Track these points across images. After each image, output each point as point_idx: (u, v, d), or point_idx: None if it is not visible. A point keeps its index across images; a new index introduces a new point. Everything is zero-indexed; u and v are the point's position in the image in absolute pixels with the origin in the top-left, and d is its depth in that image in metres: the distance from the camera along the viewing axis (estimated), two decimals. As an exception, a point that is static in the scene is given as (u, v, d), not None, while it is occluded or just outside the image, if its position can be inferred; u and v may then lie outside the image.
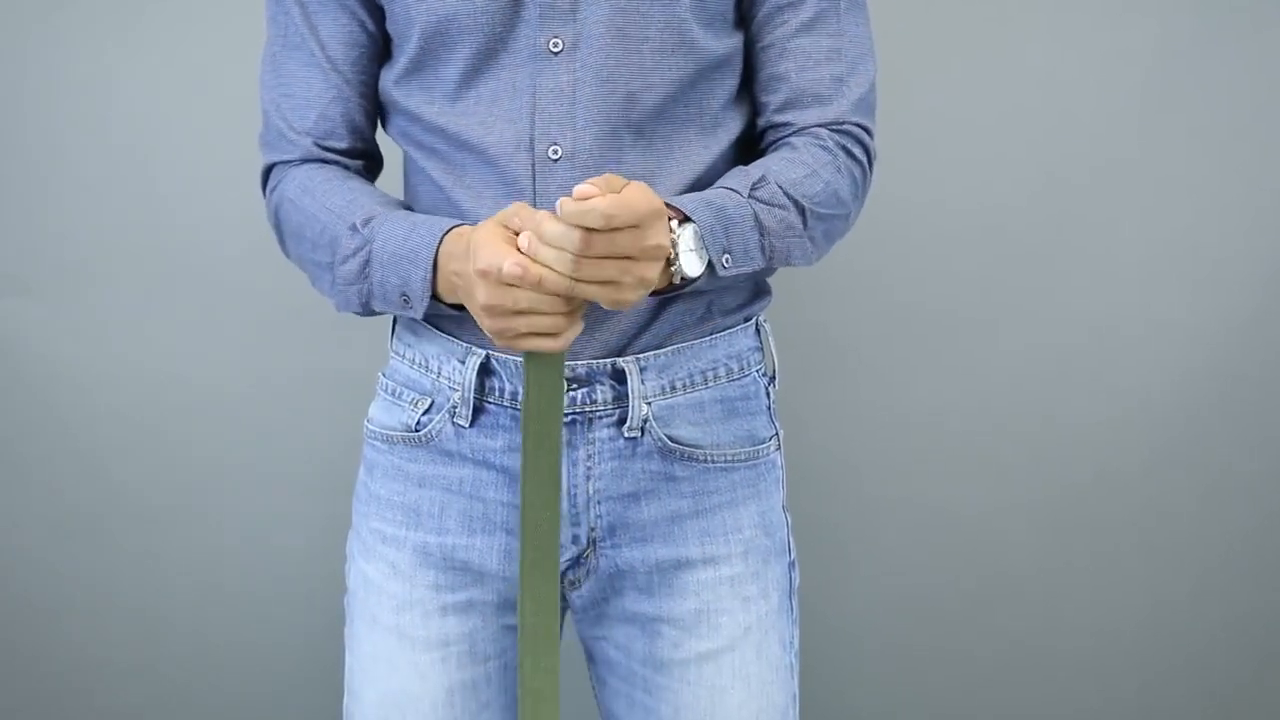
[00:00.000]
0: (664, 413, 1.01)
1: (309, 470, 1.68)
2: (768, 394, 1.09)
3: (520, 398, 1.00)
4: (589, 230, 0.80)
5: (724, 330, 1.05)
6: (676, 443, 1.02)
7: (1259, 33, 1.61)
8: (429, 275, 0.93)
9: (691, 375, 1.03)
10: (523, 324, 0.86)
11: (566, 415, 0.99)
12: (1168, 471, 1.73)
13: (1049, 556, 1.75)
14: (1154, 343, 1.69)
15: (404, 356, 1.07)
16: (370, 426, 1.10)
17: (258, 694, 1.75)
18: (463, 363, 1.02)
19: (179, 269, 1.64)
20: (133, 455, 1.68)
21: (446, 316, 1.01)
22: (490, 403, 1.02)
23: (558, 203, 0.80)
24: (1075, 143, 1.64)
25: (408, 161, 1.06)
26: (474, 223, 0.93)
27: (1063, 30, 1.62)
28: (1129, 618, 1.77)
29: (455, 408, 1.02)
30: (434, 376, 1.04)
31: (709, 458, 1.04)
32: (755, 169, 0.98)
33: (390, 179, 1.12)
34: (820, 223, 1.00)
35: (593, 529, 1.03)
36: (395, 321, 1.11)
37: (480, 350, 1.01)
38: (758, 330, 1.09)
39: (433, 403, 1.04)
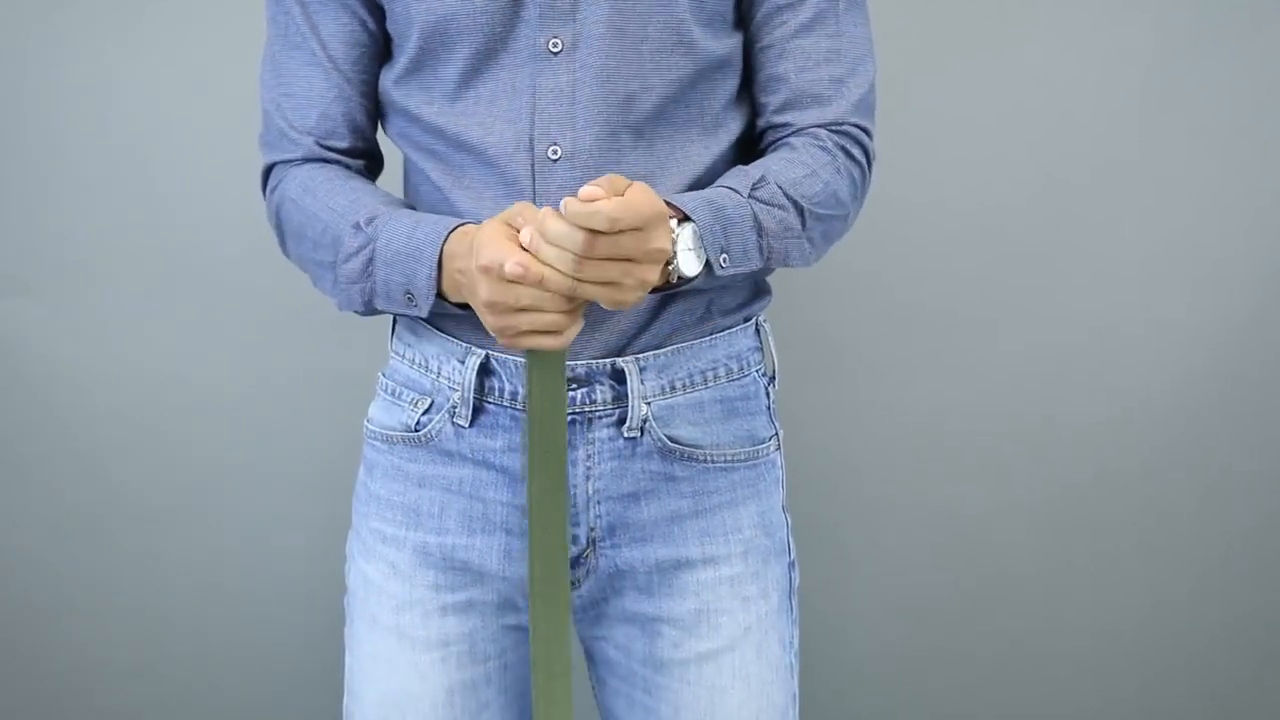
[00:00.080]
0: (664, 413, 1.02)
1: (309, 470, 1.68)
2: (767, 394, 1.09)
3: (520, 397, 1.00)
4: (593, 232, 0.80)
5: (724, 330, 1.05)
6: (676, 443, 1.02)
7: (1258, 32, 1.61)
8: (434, 273, 0.93)
9: (691, 375, 1.03)
10: (525, 321, 0.86)
11: (567, 416, 0.99)
12: (1168, 471, 1.73)
13: (1049, 556, 1.75)
14: (1154, 343, 1.69)
15: (404, 356, 1.07)
16: (370, 426, 1.10)
17: (258, 694, 1.75)
18: (462, 363, 1.02)
19: (179, 269, 1.64)
20: (133, 455, 1.68)
21: (447, 316, 1.01)
22: (490, 403, 1.02)
23: (562, 202, 0.80)
24: (1075, 143, 1.64)
25: (407, 164, 1.06)
26: (475, 224, 0.94)
27: (1062, 30, 1.62)
28: (1129, 618, 1.77)
29: (455, 408, 1.02)
30: (434, 376, 1.04)
31: (709, 458, 1.04)
32: (755, 169, 0.98)
33: (391, 179, 1.12)
34: (819, 223, 1.00)
35: (592, 529, 1.03)
36: (395, 321, 1.11)
37: (480, 350, 1.01)
38: (757, 330, 1.09)
39: (432, 403, 1.04)
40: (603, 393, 1.00)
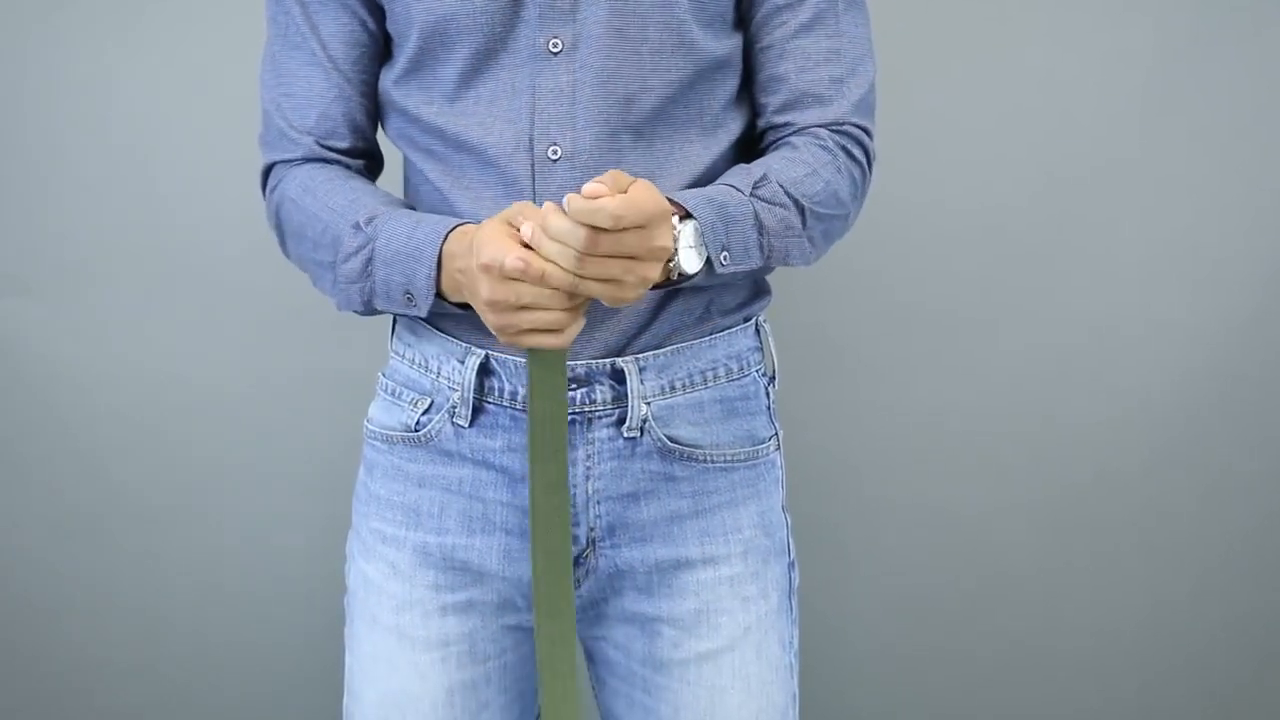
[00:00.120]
0: (663, 413, 1.01)
1: (309, 470, 1.68)
2: (767, 394, 1.09)
3: (520, 397, 1.00)
4: (595, 229, 0.80)
5: (723, 330, 1.05)
6: (676, 443, 1.02)
7: (1259, 33, 1.61)
8: (433, 272, 0.93)
9: (691, 375, 1.03)
10: (525, 320, 0.86)
11: (568, 415, 0.99)
12: (1168, 471, 1.73)
13: (1049, 556, 1.75)
14: (1154, 343, 1.69)
15: (404, 356, 1.07)
16: (370, 426, 1.10)
17: (258, 694, 1.75)
18: (462, 363, 1.02)
19: (179, 269, 1.64)
20: (133, 455, 1.68)
21: (447, 316, 1.01)
22: (490, 403, 1.02)
23: (565, 198, 0.80)
24: (1075, 143, 1.64)
25: (407, 164, 1.06)
26: (474, 224, 0.93)
27: (1062, 31, 1.62)
28: (1129, 618, 1.77)
29: (455, 408, 1.02)
30: (433, 376, 1.04)
31: (708, 458, 1.04)
32: (756, 167, 0.98)
33: (391, 179, 1.12)
34: (819, 222, 1.00)
35: (592, 529, 1.03)
36: (395, 322, 1.11)
37: (480, 350, 1.01)
38: (757, 330, 1.09)
39: (432, 403, 1.04)
40: (602, 393, 1.00)
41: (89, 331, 1.65)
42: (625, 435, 1.01)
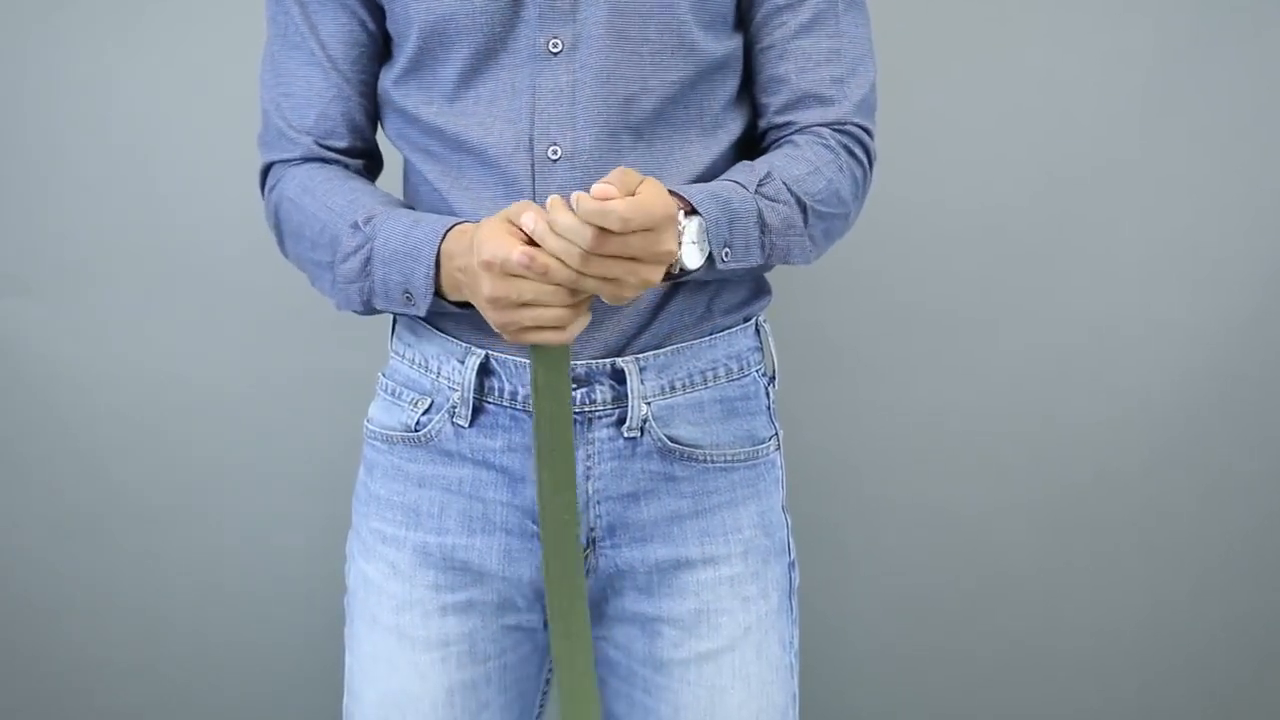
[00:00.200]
0: (663, 413, 1.01)
1: (309, 470, 1.68)
2: (767, 394, 1.09)
3: (520, 397, 1.00)
4: (603, 230, 0.80)
5: (724, 330, 1.05)
6: (676, 443, 1.02)
7: (1259, 34, 1.61)
8: (431, 271, 0.93)
9: (691, 375, 1.03)
10: (527, 316, 0.86)
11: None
12: (1168, 471, 1.73)
13: (1049, 556, 1.75)
14: (1154, 343, 1.69)
15: (404, 356, 1.07)
16: (370, 426, 1.10)
17: (258, 694, 1.75)
18: (462, 363, 1.02)
19: (179, 269, 1.64)
20: (133, 455, 1.68)
21: (447, 316, 1.01)
22: (490, 403, 1.02)
23: (574, 196, 0.80)
24: (1075, 143, 1.64)
25: (406, 165, 1.06)
26: (473, 223, 0.93)
27: (1063, 31, 1.62)
28: (1129, 618, 1.77)
29: (455, 408, 1.02)
30: (434, 376, 1.04)
31: (709, 458, 1.04)
32: (760, 164, 0.98)
33: (391, 180, 1.12)
34: (821, 221, 1.00)
35: (592, 529, 1.03)
36: (395, 321, 1.11)
37: (480, 350, 1.01)
38: (757, 330, 1.09)
39: (432, 403, 1.04)
40: (602, 392, 1.00)
41: (89, 331, 1.65)
42: (625, 435, 1.01)
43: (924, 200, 1.65)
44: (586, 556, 1.04)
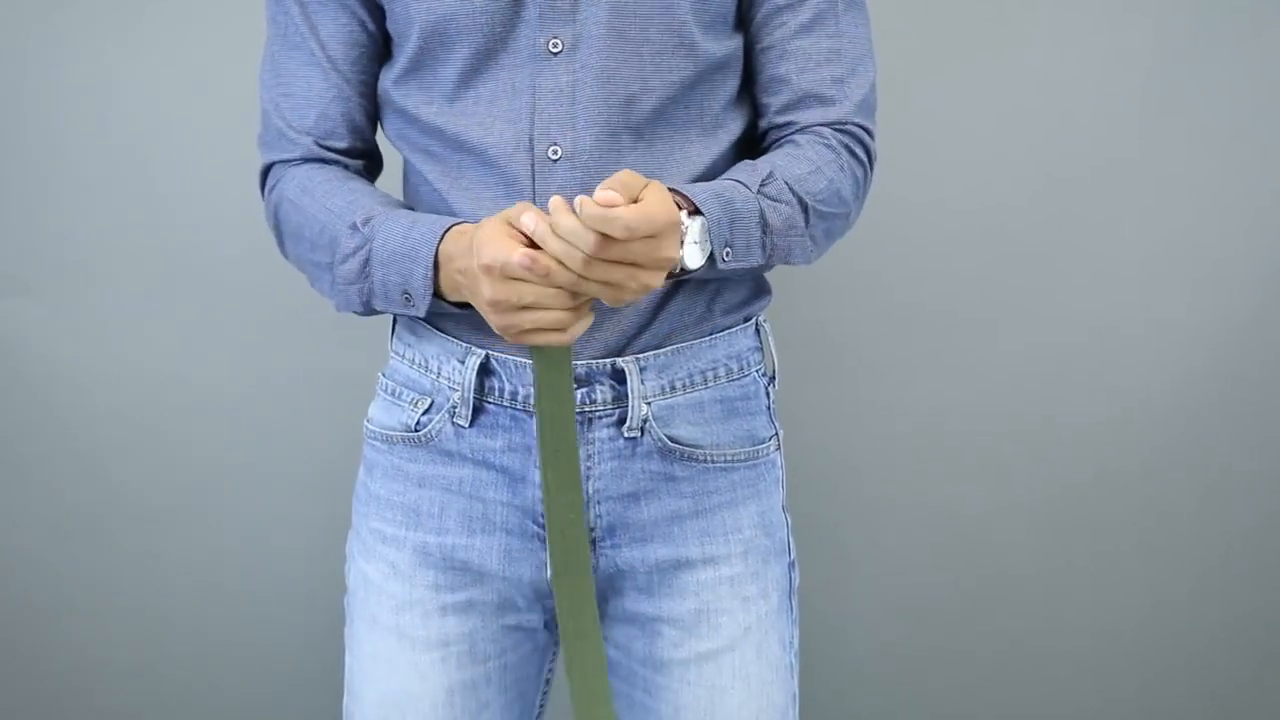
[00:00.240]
0: (664, 413, 1.01)
1: (309, 470, 1.68)
2: (767, 394, 1.09)
3: (520, 397, 1.00)
4: (606, 236, 0.80)
5: (724, 330, 1.05)
6: (676, 443, 1.02)
7: (1258, 34, 1.61)
8: (429, 272, 0.93)
9: (691, 375, 1.03)
10: (528, 319, 0.86)
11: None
12: (1168, 471, 1.73)
13: (1049, 556, 1.75)
14: (1154, 343, 1.69)
15: (404, 356, 1.07)
16: (370, 426, 1.10)
17: (258, 694, 1.75)
18: (462, 363, 1.02)
19: (179, 269, 1.64)
20: (133, 455, 1.68)
21: (447, 316, 1.01)
22: (490, 402, 1.02)
23: (577, 200, 0.80)
24: (1075, 143, 1.64)
25: (406, 166, 1.06)
26: (472, 223, 0.93)
27: (1062, 31, 1.62)
28: (1129, 618, 1.77)
29: (455, 408, 1.02)
30: (434, 376, 1.04)
31: (709, 458, 1.04)
32: (763, 164, 0.98)
33: (390, 180, 1.12)
34: (822, 221, 1.00)
35: (592, 529, 1.02)
36: (395, 321, 1.11)
37: (480, 350, 1.01)
38: (757, 330, 1.09)
39: (432, 403, 1.04)
40: (603, 392, 1.00)
41: (89, 331, 1.65)
42: (625, 435, 1.01)
43: (924, 200, 1.65)
44: (587, 556, 1.04)
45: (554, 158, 0.97)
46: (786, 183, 0.97)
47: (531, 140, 0.97)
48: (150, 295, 1.64)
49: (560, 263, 0.82)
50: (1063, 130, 1.64)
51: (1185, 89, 1.63)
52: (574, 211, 0.80)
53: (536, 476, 1.00)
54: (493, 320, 0.88)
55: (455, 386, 1.02)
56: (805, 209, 0.98)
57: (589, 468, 1.01)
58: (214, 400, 1.67)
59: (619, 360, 1.00)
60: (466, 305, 0.94)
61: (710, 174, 1.01)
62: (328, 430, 1.64)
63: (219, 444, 1.68)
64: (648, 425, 1.01)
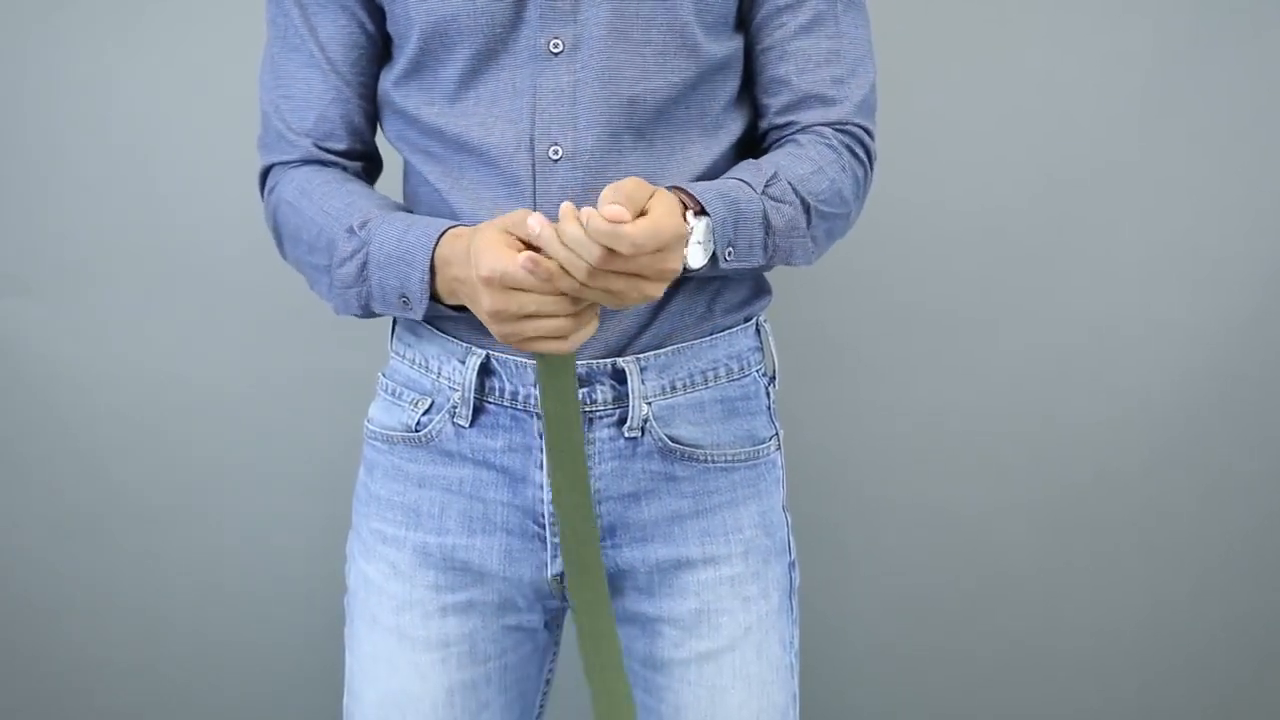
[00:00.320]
0: (664, 413, 1.02)
1: (309, 470, 1.68)
2: (768, 394, 1.09)
3: (520, 398, 1.00)
4: (611, 249, 0.80)
5: (724, 330, 1.05)
6: (677, 443, 1.02)
7: (1258, 35, 1.61)
8: (426, 277, 0.93)
9: (691, 375, 1.03)
10: (530, 328, 0.86)
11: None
12: (1168, 471, 1.73)
13: (1049, 556, 1.75)
14: (1154, 343, 1.69)
15: (404, 357, 1.07)
16: (370, 427, 1.10)
17: (258, 694, 1.75)
18: (463, 363, 1.02)
19: (179, 269, 1.64)
20: (133, 455, 1.68)
21: (446, 317, 1.01)
22: (490, 403, 1.02)
23: (583, 213, 0.80)
24: (1075, 144, 1.64)
25: (406, 167, 1.06)
26: (469, 225, 0.93)
27: (1062, 32, 1.62)
28: (1129, 618, 1.77)
29: (455, 408, 1.02)
30: (434, 377, 1.04)
31: (709, 458, 1.04)
32: (766, 164, 0.98)
33: (390, 181, 1.12)
34: (823, 221, 1.00)
35: (593, 529, 1.03)
36: (395, 322, 1.11)
37: (480, 350, 1.01)
38: (758, 330, 1.09)
39: (433, 403, 1.04)
40: (603, 393, 1.00)
41: (89, 331, 1.65)
42: (626, 435, 1.01)
43: (924, 201, 1.65)
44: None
45: (555, 158, 0.97)
46: (790, 183, 0.97)
47: (532, 140, 0.97)
48: (150, 295, 1.64)
49: (565, 270, 0.82)
50: (1063, 131, 1.64)
51: (1185, 90, 1.63)
52: (580, 221, 0.80)
53: (537, 477, 1.00)
54: (494, 330, 0.88)
55: (455, 386, 1.02)
56: (808, 209, 0.98)
57: (589, 468, 1.01)
58: (214, 400, 1.67)
59: (619, 360, 1.00)
60: (463, 308, 0.94)
61: (711, 174, 1.01)
62: (328, 430, 1.64)
63: (219, 444, 1.68)
64: (648, 425, 1.01)
